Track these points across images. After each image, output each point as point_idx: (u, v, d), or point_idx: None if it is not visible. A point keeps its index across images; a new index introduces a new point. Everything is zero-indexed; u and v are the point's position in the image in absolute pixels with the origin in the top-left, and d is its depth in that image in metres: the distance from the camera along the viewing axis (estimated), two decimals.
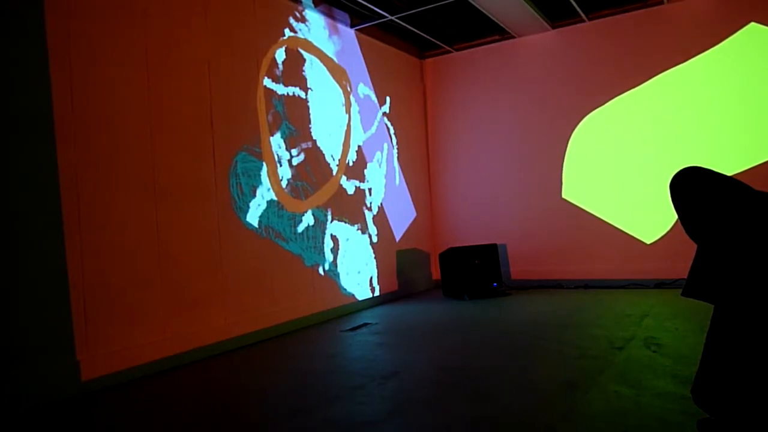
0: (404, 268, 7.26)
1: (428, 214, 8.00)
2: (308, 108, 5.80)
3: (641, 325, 4.60)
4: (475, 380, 3.43)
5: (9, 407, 3.19)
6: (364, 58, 6.80)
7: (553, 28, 7.08)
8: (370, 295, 6.56)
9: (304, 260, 5.56)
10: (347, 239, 6.27)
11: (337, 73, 6.31)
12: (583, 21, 6.86)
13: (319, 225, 5.82)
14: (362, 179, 6.62)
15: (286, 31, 5.57)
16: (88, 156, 3.73)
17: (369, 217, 6.69)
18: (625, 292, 6.34)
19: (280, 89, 5.42)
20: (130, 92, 4.06)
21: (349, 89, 6.48)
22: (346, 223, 6.25)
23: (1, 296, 3.21)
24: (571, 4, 6.38)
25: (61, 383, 3.47)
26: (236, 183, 4.84)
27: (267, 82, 5.27)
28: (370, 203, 6.75)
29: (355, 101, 6.62)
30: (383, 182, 7.05)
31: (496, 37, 7.44)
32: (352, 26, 6.56)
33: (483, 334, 4.75)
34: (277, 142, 5.34)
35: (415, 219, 7.64)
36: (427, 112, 8.10)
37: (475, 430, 2.67)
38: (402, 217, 7.37)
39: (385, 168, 7.11)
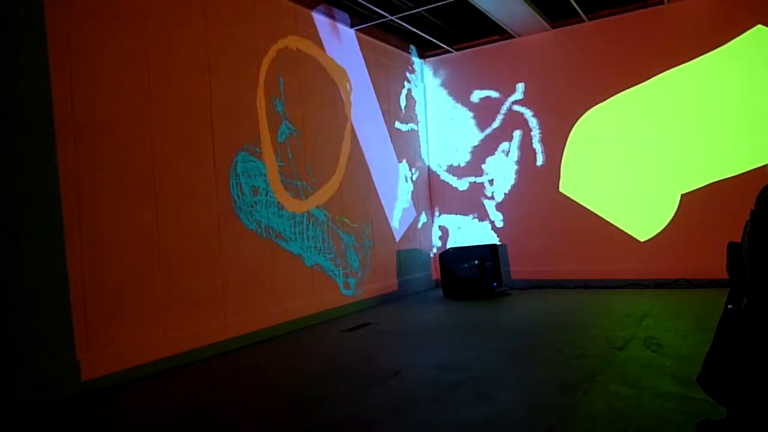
0: (404, 268, 7.26)
1: (428, 214, 7.98)
2: (308, 108, 5.79)
3: (641, 325, 4.60)
4: (475, 380, 3.43)
5: (9, 407, 3.19)
6: (364, 58, 6.80)
7: (553, 28, 7.07)
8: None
9: (304, 260, 5.56)
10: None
11: (337, 72, 6.31)
12: (583, 21, 6.86)
13: (319, 224, 5.81)
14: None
15: (286, 31, 5.57)
16: (87, 156, 3.73)
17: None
18: (625, 292, 6.34)
19: (280, 89, 5.41)
20: (130, 92, 4.06)
21: (349, 89, 6.48)
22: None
23: (1, 296, 3.21)
24: (571, 4, 6.37)
25: (61, 383, 3.47)
26: (236, 183, 4.84)
27: (267, 82, 5.27)
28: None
29: (363, 101, 6.63)
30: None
31: (496, 37, 7.43)
32: (352, 26, 6.55)
33: (483, 334, 4.75)
34: (277, 142, 5.34)
35: (415, 219, 7.63)
36: (427, 112, 8.08)
37: (475, 430, 2.67)
38: (402, 217, 7.36)
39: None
